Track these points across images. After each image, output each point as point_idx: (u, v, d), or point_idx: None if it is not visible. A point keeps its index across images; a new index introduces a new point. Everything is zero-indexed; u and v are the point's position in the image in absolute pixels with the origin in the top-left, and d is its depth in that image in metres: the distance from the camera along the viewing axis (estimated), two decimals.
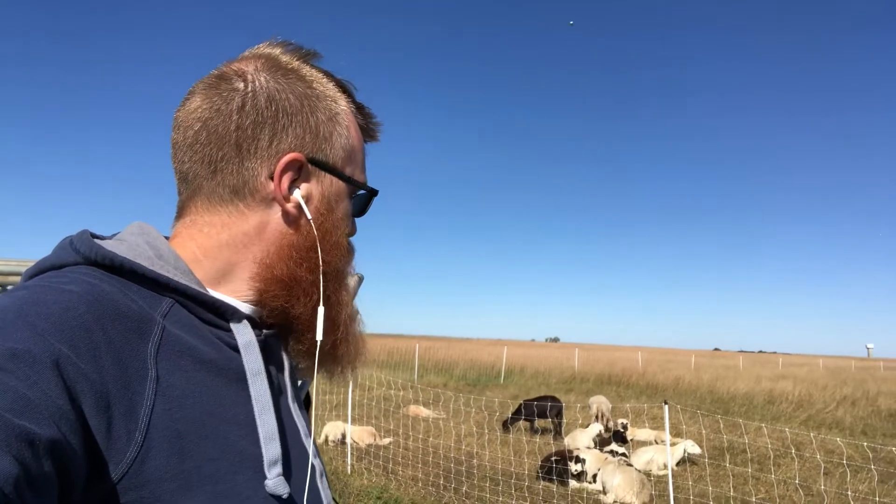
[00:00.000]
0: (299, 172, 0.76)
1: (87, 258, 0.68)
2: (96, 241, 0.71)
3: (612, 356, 31.80)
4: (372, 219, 0.90)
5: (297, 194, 0.76)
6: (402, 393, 13.68)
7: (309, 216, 0.77)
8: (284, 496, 0.68)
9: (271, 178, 0.74)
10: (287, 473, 0.71)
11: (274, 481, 0.67)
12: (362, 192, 0.83)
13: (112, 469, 0.57)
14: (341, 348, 0.81)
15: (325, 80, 0.81)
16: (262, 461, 0.68)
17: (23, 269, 1.49)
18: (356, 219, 0.86)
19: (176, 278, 0.70)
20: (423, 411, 11.48)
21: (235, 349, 0.71)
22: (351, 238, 0.84)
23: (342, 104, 0.81)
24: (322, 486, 0.80)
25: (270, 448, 0.69)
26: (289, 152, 0.75)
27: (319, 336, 0.77)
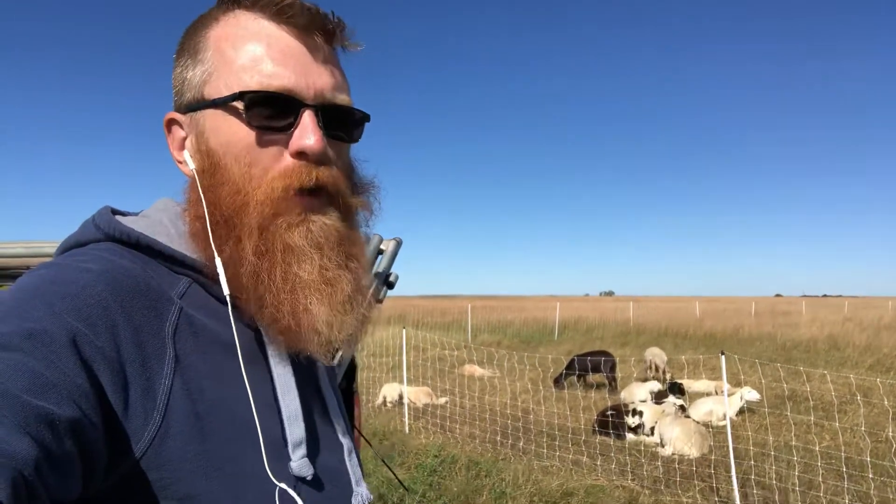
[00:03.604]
0: (180, 131, 0.74)
1: (107, 234, 0.68)
2: (117, 217, 0.71)
3: (669, 308, 31.26)
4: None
5: (186, 154, 0.73)
6: (456, 353, 13.85)
7: (191, 166, 0.72)
8: (309, 477, 0.68)
9: None
10: (312, 453, 0.70)
11: (298, 463, 0.67)
12: (247, 97, 0.66)
13: (131, 448, 0.56)
14: (268, 310, 0.67)
15: (212, 11, 0.72)
16: (285, 442, 0.68)
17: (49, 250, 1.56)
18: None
19: (194, 255, 0.69)
20: (478, 370, 11.61)
21: (254, 328, 0.70)
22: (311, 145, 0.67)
23: (215, 26, 0.71)
24: (350, 463, 0.78)
25: (294, 429, 0.68)
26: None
27: (226, 290, 0.67)
